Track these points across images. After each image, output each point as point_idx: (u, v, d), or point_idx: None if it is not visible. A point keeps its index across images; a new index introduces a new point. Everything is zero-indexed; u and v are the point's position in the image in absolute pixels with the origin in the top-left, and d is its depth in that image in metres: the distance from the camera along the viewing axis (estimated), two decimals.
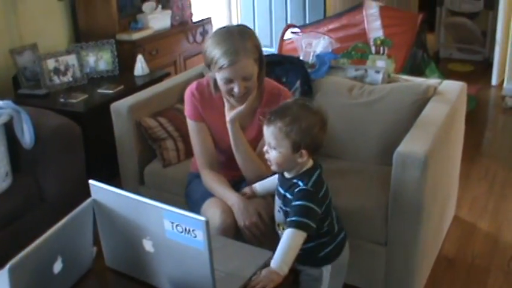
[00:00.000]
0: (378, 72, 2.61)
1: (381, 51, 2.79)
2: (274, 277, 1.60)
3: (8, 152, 2.42)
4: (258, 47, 2.00)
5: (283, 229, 1.80)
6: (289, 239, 1.67)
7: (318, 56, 2.77)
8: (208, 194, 2.14)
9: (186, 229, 1.45)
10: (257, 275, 1.61)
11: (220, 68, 1.93)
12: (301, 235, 1.67)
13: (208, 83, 2.11)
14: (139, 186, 2.76)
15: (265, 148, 1.79)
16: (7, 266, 1.41)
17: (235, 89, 1.98)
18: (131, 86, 3.15)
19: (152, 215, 1.52)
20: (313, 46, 2.81)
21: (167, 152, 2.67)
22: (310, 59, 2.78)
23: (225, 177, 2.17)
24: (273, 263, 1.62)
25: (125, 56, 3.40)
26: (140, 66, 3.28)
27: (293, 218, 1.69)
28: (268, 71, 2.65)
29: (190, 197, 2.28)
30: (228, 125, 2.08)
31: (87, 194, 2.75)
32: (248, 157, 2.11)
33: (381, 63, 2.70)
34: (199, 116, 2.17)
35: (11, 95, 3.06)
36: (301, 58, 2.84)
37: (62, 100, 2.88)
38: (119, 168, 2.78)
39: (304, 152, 1.73)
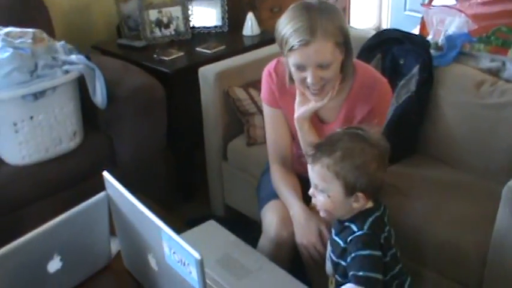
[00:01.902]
0: None
1: None
2: None
3: (82, 110, 2.28)
4: (342, 28, 1.58)
5: (332, 284, 1.46)
6: None
7: (448, 38, 2.23)
8: (273, 194, 1.82)
9: (182, 260, 1.15)
10: None
11: (291, 49, 1.56)
12: None
13: None
14: (223, 161, 2.50)
15: (311, 191, 1.44)
16: None
17: (309, 79, 1.59)
18: (235, 47, 2.83)
19: (153, 231, 1.24)
20: (446, 24, 2.27)
21: (254, 129, 2.37)
22: (440, 40, 2.25)
23: (301, 174, 1.82)
24: None
25: (239, 10, 3.09)
26: (250, 25, 2.93)
27: (359, 273, 1.33)
28: (385, 50, 2.22)
29: (259, 192, 1.97)
30: (296, 124, 1.72)
31: (165, 163, 2.59)
32: None
33: None
34: (275, 102, 1.83)
35: (114, 45, 2.92)
36: (430, 36, 2.32)
37: (155, 56, 2.67)
38: (204, 139, 2.54)
39: (360, 195, 1.37)
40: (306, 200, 1.76)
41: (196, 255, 1.09)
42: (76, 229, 1.41)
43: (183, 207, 2.72)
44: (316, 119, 1.79)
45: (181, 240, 1.14)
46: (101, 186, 2.32)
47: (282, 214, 1.73)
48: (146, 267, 1.36)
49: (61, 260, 1.40)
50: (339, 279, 1.45)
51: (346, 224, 1.42)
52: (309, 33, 1.52)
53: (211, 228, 1.68)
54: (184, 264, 1.15)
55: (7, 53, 1.98)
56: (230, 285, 1.43)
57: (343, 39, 1.58)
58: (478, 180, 2.04)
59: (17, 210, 2.13)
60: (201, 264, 1.10)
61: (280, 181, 1.80)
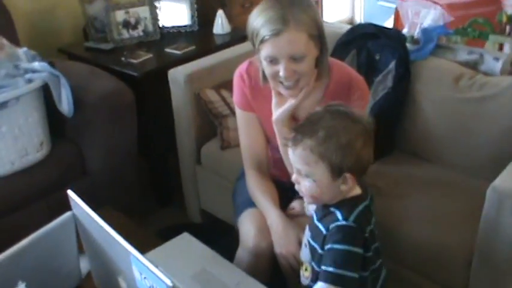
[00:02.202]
0: (497, 59, 1.99)
1: (507, 31, 2.13)
2: None
3: (48, 118, 2.18)
4: (317, 21, 1.51)
5: (307, 271, 1.38)
6: None
7: (424, 31, 2.17)
8: (250, 202, 1.75)
9: (153, 286, 1.08)
10: None
11: (262, 40, 1.49)
12: None
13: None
14: (197, 165, 2.43)
15: (293, 177, 1.34)
16: None
17: (281, 72, 1.52)
18: (206, 47, 2.75)
19: (122, 255, 1.16)
20: (421, 17, 2.22)
21: (227, 131, 2.29)
22: (416, 33, 2.20)
23: (278, 179, 1.76)
24: None
25: (209, 7, 2.99)
26: (220, 23, 2.84)
27: (329, 269, 1.25)
28: (360, 45, 2.16)
29: (235, 199, 1.90)
30: (274, 125, 1.65)
31: (137, 169, 2.50)
32: None
33: (505, 47, 2.05)
34: (248, 105, 1.75)
35: (81, 48, 2.81)
36: (406, 30, 2.26)
37: (123, 58, 2.57)
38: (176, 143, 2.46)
39: (348, 175, 1.27)
40: (284, 206, 1.70)
41: (168, 282, 1.02)
42: (41, 252, 1.32)
43: (158, 213, 2.64)
44: (292, 119, 1.72)
45: (152, 266, 1.06)
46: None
47: (259, 224, 1.66)
48: None
49: (26, 286, 1.31)
50: (315, 267, 1.37)
51: (332, 209, 1.32)
52: (281, 23, 1.45)
53: (185, 242, 1.60)
54: None
55: None
56: None
57: (318, 32, 1.52)
58: (459, 176, 2.00)
59: None
60: None
61: (256, 188, 1.73)
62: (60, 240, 1.36)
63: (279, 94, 1.62)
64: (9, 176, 2.06)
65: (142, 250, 1.55)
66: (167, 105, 2.39)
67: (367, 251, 1.31)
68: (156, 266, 1.06)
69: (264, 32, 1.46)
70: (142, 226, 2.40)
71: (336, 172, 1.27)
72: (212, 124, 2.35)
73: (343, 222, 1.28)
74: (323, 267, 1.27)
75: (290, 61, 1.49)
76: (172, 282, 1.02)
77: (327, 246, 1.29)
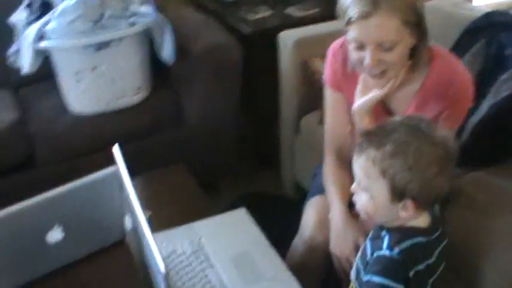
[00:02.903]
0: None
1: None
2: None
3: (154, 63, 2.18)
4: (414, 5, 1.30)
5: None
6: None
7: None
8: (321, 189, 1.61)
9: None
10: None
11: (348, 22, 1.31)
12: None
13: None
14: (295, 135, 2.31)
15: (353, 186, 1.17)
16: None
17: (366, 60, 1.34)
18: (331, 11, 2.55)
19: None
20: None
21: None
22: None
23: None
24: None
25: None
26: None
27: None
28: (491, 35, 1.85)
29: (312, 180, 1.77)
30: (354, 116, 1.47)
31: (235, 129, 2.43)
32: None
33: None
34: (337, 84, 1.59)
35: None
36: None
37: (240, 13, 2.47)
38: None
39: (409, 203, 1.08)
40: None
41: (162, 269, 0.94)
42: (80, 201, 1.31)
43: (252, 177, 2.57)
44: (382, 109, 1.53)
45: (154, 246, 0.98)
46: (161, 143, 2.24)
47: (322, 215, 1.52)
48: None
49: (62, 231, 1.32)
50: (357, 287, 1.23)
51: (383, 233, 1.15)
52: (371, 4, 1.26)
53: (240, 218, 1.51)
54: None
55: (73, 1, 1.90)
56: None
57: (415, 18, 1.30)
58: None
59: (74, 159, 2.11)
60: (165, 279, 0.94)
61: (329, 175, 1.59)
62: (102, 193, 1.34)
63: (365, 81, 1.44)
64: (103, 114, 2.11)
65: (195, 218, 1.52)
66: (276, 68, 2.27)
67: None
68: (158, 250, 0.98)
69: (351, 12, 1.28)
70: (213, 190, 2.37)
71: (397, 195, 1.08)
72: (316, 96, 2.20)
73: (386, 252, 1.11)
74: None
75: (377, 49, 1.31)
76: (165, 269, 0.93)
77: (366, 278, 1.14)
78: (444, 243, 1.19)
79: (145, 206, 1.53)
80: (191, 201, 1.63)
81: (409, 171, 1.06)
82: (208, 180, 2.48)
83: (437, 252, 1.16)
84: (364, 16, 1.27)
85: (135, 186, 1.50)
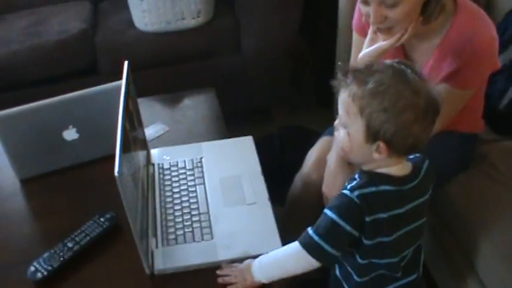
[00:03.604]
0: None
1: None
2: (248, 280, 1.19)
3: None
4: None
5: None
6: (287, 256, 1.17)
7: None
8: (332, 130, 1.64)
9: None
10: (232, 265, 1.22)
11: None
12: (307, 261, 1.13)
13: None
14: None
15: (335, 122, 1.17)
16: None
17: (371, 16, 1.33)
18: None
19: None
20: None
21: None
22: None
23: None
24: (256, 266, 1.19)
25: None
26: None
27: (308, 232, 1.13)
28: None
29: None
30: (358, 62, 1.46)
31: (293, 62, 2.46)
32: None
33: None
34: (361, 29, 1.58)
35: None
36: None
37: None
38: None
39: (382, 145, 1.07)
40: None
41: (115, 172, 1.05)
42: (93, 107, 1.46)
43: (308, 112, 2.60)
44: (404, 58, 1.52)
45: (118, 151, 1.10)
46: (218, 68, 2.33)
47: (322, 154, 1.56)
48: None
49: (77, 132, 1.48)
50: None
51: (357, 174, 1.16)
52: None
53: (245, 145, 1.59)
54: None
55: None
56: (214, 209, 1.38)
57: None
58: None
59: (135, 72, 2.26)
60: (117, 180, 1.06)
61: None
62: (115, 102, 1.46)
63: (374, 31, 1.42)
64: (163, 33, 2.24)
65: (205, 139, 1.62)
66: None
67: (366, 238, 1.13)
68: None
69: None
70: (268, 118, 2.41)
71: (372, 135, 1.07)
72: None
73: (347, 193, 1.11)
74: (308, 228, 1.15)
75: (380, 5, 1.28)
76: (118, 173, 1.05)
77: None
78: (424, 199, 1.17)
79: (164, 122, 1.70)
80: (210, 124, 1.73)
81: (384, 112, 1.05)
82: (263, 108, 2.57)
83: (411, 205, 1.15)
84: None
85: (151, 104, 1.64)
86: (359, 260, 1.17)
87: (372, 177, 1.12)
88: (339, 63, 1.16)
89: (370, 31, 1.42)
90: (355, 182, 1.13)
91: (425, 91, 1.06)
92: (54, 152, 1.50)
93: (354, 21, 1.60)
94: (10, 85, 2.17)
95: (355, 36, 1.61)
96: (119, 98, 1.29)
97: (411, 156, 1.17)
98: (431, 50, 1.45)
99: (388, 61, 1.12)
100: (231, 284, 1.19)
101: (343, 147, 1.15)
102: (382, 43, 1.39)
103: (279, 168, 2.05)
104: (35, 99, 1.43)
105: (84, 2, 2.46)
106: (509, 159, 1.65)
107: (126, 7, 2.31)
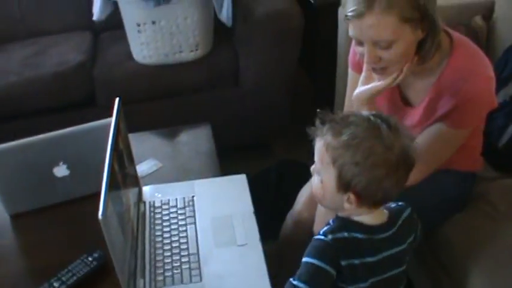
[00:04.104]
0: None
1: None
2: None
3: (211, 24, 2.27)
4: (416, 3, 1.24)
5: None
6: None
7: None
8: None
9: None
10: None
11: (346, 18, 1.29)
12: None
13: None
14: None
15: (312, 167, 1.17)
16: None
17: (365, 56, 1.32)
18: None
19: None
20: None
21: None
22: None
23: None
24: None
25: None
26: None
27: (292, 282, 1.11)
28: None
29: None
30: (353, 103, 1.45)
31: (291, 93, 2.45)
32: None
33: None
34: (357, 66, 1.57)
35: None
36: None
37: None
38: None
39: (352, 197, 1.08)
40: None
41: (99, 215, 1.04)
42: (83, 144, 1.45)
43: (306, 142, 2.57)
44: (399, 99, 1.51)
45: (103, 194, 1.09)
46: (215, 101, 2.32)
47: None
48: None
49: (67, 168, 1.47)
50: None
51: (331, 220, 1.16)
52: (364, 3, 1.23)
53: (238, 183, 1.57)
54: None
55: None
56: (203, 249, 1.35)
57: (417, 14, 1.25)
58: None
59: (131, 104, 2.27)
60: (101, 223, 1.04)
61: None
62: (105, 139, 1.45)
63: (368, 69, 1.41)
64: (161, 66, 2.24)
65: (198, 177, 1.60)
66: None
67: (346, 283, 1.13)
68: None
69: (348, 10, 1.26)
70: (265, 151, 2.39)
71: (343, 186, 1.08)
72: None
73: (321, 237, 1.11)
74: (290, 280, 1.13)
75: (374, 46, 1.28)
76: (102, 215, 1.03)
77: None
78: (401, 248, 1.16)
79: (157, 158, 1.68)
80: (203, 161, 1.71)
81: (355, 166, 1.05)
82: (261, 140, 2.55)
83: (385, 254, 1.14)
84: (359, 15, 1.24)
85: (145, 139, 1.63)
86: None
87: (345, 223, 1.13)
88: (318, 110, 1.15)
89: (364, 69, 1.42)
90: (328, 226, 1.14)
91: (398, 146, 1.07)
92: (44, 188, 1.48)
93: (350, 58, 1.59)
94: (7, 116, 2.17)
95: (350, 72, 1.60)
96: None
97: (392, 204, 1.18)
98: (426, 89, 1.44)
99: (365, 113, 1.14)
100: None
101: (316, 194, 1.17)
102: (377, 83, 1.38)
103: (274, 204, 2.03)
104: (31, 130, 1.43)
105: (85, 32, 2.46)
106: (510, 198, 1.62)
107: (125, 38, 2.31)
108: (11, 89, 2.16)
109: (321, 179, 1.13)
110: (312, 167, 1.17)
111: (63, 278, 1.27)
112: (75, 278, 1.28)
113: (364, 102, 1.40)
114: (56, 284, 1.26)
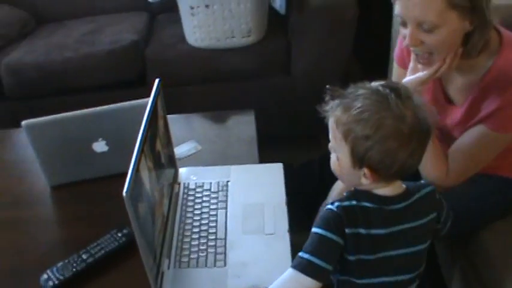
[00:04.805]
0: None
1: None
2: None
3: (265, 11, 2.25)
4: None
5: None
6: (283, 284, 1.12)
7: None
8: None
9: None
10: None
11: None
12: (301, 283, 1.08)
13: None
14: None
15: (329, 145, 1.14)
16: (23, 122, 1.43)
17: (407, 38, 1.28)
18: None
19: None
20: None
21: None
22: None
23: None
24: None
25: None
26: None
27: (298, 254, 1.10)
28: None
29: None
30: None
31: (343, 84, 2.39)
32: (426, 152, 1.41)
33: None
34: (402, 61, 1.53)
35: None
36: None
37: None
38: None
39: (367, 172, 1.05)
40: None
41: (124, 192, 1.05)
42: (122, 122, 1.46)
43: None
44: (442, 96, 1.46)
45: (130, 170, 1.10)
46: (265, 89, 2.31)
47: (346, 187, 1.52)
48: None
49: (106, 144, 1.50)
50: None
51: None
52: None
53: (274, 172, 1.56)
54: None
55: None
56: (231, 235, 1.35)
57: (469, 4, 1.20)
58: None
59: (182, 86, 2.30)
60: (126, 200, 1.06)
61: None
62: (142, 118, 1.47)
63: (415, 60, 1.37)
64: (213, 50, 2.25)
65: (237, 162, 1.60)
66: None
67: (348, 252, 1.10)
68: None
69: None
70: (314, 142, 2.36)
71: (358, 161, 1.05)
72: None
73: (329, 205, 1.09)
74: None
75: (417, 28, 1.24)
76: (126, 193, 1.04)
77: None
78: (415, 224, 1.12)
79: (198, 140, 1.69)
80: (243, 147, 1.71)
81: (366, 140, 1.02)
82: (309, 131, 2.51)
83: (396, 228, 1.10)
84: None
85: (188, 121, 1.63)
86: (338, 276, 1.16)
87: (356, 193, 1.11)
88: (328, 86, 1.12)
89: (412, 59, 1.37)
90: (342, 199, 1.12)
91: (410, 115, 1.02)
92: (84, 163, 1.52)
93: (396, 52, 1.55)
94: (61, 90, 2.24)
95: (395, 67, 1.57)
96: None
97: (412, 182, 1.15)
98: (470, 88, 1.38)
99: (375, 84, 1.08)
100: None
101: (335, 171, 1.14)
102: (420, 74, 1.34)
103: (314, 196, 2.00)
104: (82, 106, 1.46)
105: (142, 13, 2.50)
106: None
107: (180, 21, 2.33)
108: (66, 64, 2.22)
109: (337, 157, 1.10)
110: (329, 145, 1.14)
111: (92, 251, 1.30)
112: (103, 251, 1.30)
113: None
114: (84, 256, 1.29)
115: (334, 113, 1.07)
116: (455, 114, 1.42)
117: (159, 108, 1.38)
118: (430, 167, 1.37)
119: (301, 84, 2.32)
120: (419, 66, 1.34)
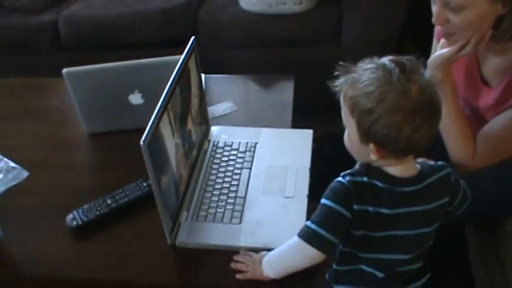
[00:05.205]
0: None
1: None
2: (258, 272, 1.18)
3: None
4: None
5: None
6: (288, 250, 1.15)
7: None
8: None
9: None
10: (248, 253, 1.22)
11: None
12: (306, 253, 1.11)
13: None
14: None
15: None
16: (63, 70, 1.49)
17: (433, 15, 1.26)
18: None
19: None
20: None
21: None
22: None
23: None
24: (265, 260, 1.18)
25: None
26: None
27: (306, 223, 1.12)
28: None
29: None
30: (428, 69, 1.37)
31: (393, 54, 2.34)
32: (451, 131, 1.38)
33: None
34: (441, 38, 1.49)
35: None
36: None
37: None
38: None
39: (373, 147, 1.04)
40: None
41: (141, 140, 1.09)
42: (158, 76, 1.48)
43: None
44: (478, 76, 1.42)
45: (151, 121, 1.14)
46: (313, 56, 2.28)
47: None
48: None
49: (142, 97, 1.55)
50: None
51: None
52: None
53: (303, 138, 1.56)
54: None
55: None
56: (251, 195, 1.38)
57: None
58: None
59: (230, 49, 2.32)
60: (143, 148, 1.09)
61: None
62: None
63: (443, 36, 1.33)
64: (264, 15, 2.25)
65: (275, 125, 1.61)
66: None
67: (353, 228, 1.10)
68: None
69: None
70: None
71: (364, 136, 1.05)
72: None
73: (340, 178, 1.09)
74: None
75: (444, 7, 1.21)
76: (144, 141, 1.08)
77: None
78: (425, 208, 1.10)
79: (234, 101, 1.72)
80: (277, 112, 1.72)
81: (370, 114, 1.01)
82: None
83: (404, 210, 1.09)
84: None
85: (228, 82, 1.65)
86: (341, 247, 1.17)
87: (368, 169, 1.10)
88: (340, 62, 1.11)
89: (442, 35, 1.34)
90: (352, 169, 1.12)
91: (415, 90, 1.00)
92: (120, 113, 1.57)
93: (437, 31, 1.50)
94: (113, 45, 2.30)
95: (434, 42, 1.52)
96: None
97: (431, 162, 1.13)
98: (506, 70, 1.33)
99: (384, 59, 1.06)
100: (241, 272, 1.18)
101: (347, 146, 1.14)
102: (444, 50, 1.31)
103: (340, 167, 1.99)
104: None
105: None
106: None
107: None
108: (120, 19, 2.29)
109: (347, 132, 1.11)
110: (343, 121, 1.13)
111: (116, 197, 1.36)
112: (126, 199, 1.36)
113: (437, 68, 1.33)
114: (109, 201, 1.35)
115: (343, 88, 1.07)
116: (489, 96, 1.37)
117: (192, 66, 1.40)
118: (455, 146, 1.34)
119: (351, 53, 2.26)
120: (447, 43, 1.31)
